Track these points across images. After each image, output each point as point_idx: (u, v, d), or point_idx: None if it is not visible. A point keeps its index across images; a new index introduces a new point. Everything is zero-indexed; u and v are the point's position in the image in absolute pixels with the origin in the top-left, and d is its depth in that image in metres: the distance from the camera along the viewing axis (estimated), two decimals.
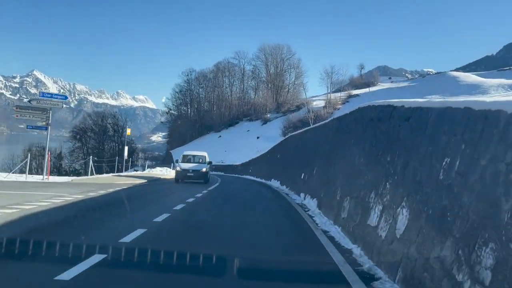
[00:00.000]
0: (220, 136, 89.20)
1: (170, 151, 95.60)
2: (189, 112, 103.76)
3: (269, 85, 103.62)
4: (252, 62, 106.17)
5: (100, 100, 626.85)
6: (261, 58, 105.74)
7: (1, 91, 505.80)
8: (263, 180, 26.53)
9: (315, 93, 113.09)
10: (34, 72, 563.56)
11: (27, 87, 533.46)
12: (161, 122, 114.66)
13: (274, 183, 21.62)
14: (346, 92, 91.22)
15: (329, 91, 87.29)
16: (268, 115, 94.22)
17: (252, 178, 32.53)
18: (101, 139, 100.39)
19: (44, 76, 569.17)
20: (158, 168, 26.63)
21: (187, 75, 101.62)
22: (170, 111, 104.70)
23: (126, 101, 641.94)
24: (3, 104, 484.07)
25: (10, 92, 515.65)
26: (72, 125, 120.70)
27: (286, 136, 28.48)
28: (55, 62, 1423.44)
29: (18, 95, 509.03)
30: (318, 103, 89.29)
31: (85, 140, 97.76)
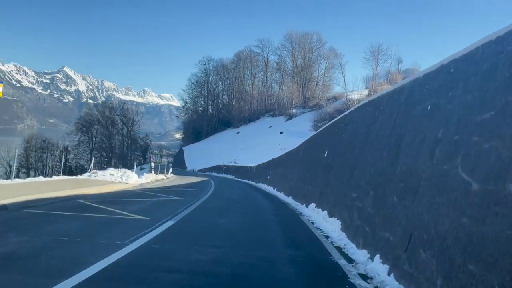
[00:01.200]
0: (238, 133, 77.76)
1: (183, 147, 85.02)
2: (205, 105, 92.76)
3: (296, 77, 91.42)
4: (277, 51, 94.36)
5: (127, 97, 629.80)
6: (287, 48, 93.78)
7: (33, 87, 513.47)
8: (290, 200, 14.88)
9: (351, 88, 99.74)
10: (65, 69, 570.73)
11: (58, 83, 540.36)
12: (176, 116, 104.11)
13: (319, 216, 9.89)
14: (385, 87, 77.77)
15: (375, 73, 71.29)
16: (294, 111, 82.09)
17: (271, 190, 20.90)
18: (108, 133, 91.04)
19: (74, 73, 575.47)
20: (109, 170, 16.50)
21: (205, 64, 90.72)
22: (187, 105, 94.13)
23: (152, 98, 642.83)
24: (34, 99, 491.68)
25: (41, 88, 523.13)
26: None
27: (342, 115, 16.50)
28: (85, 59, 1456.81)
29: (48, 91, 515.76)
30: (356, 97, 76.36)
31: (91, 134, 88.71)
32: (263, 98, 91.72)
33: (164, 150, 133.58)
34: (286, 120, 75.75)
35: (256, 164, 30.47)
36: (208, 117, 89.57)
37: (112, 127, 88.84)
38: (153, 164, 31.79)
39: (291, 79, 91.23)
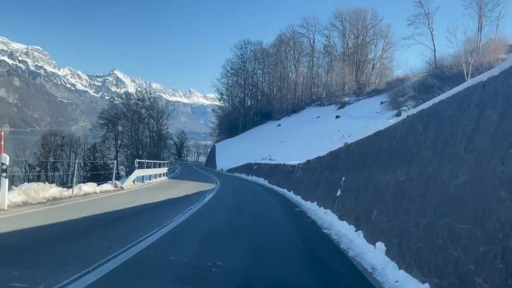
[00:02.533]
0: (279, 125, 64.37)
1: (215, 144, 73.04)
2: (242, 96, 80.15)
3: (347, 60, 76.42)
4: (325, 32, 79.78)
5: (173, 98, 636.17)
6: (336, 27, 78.95)
7: (86, 89, 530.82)
8: None
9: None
10: (115, 72, 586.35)
11: (108, 86, 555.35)
12: (212, 110, 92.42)
13: None
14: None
15: (479, 27, 48.15)
16: (346, 99, 67.31)
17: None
18: (135, 127, 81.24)
19: (124, 75, 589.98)
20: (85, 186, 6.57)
21: (241, 48, 78.10)
22: (223, 97, 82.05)
23: (197, 99, 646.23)
24: (87, 101, 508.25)
25: (93, 90, 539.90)
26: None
27: None
28: (134, 62, 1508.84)
29: (100, 93, 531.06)
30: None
31: (116, 130, 79.30)
32: (309, 86, 77.67)
33: (200, 149, 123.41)
34: (338, 109, 61.23)
35: (302, 162, 16.71)
36: (245, 109, 77.00)
37: (139, 121, 78.92)
38: (137, 165, 20.05)
39: (342, 61, 76.30)
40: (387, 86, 61.75)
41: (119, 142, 75.21)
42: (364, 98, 62.76)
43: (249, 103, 78.81)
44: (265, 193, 17.51)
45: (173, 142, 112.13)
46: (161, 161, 32.65)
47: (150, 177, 21.00)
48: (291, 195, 15.21)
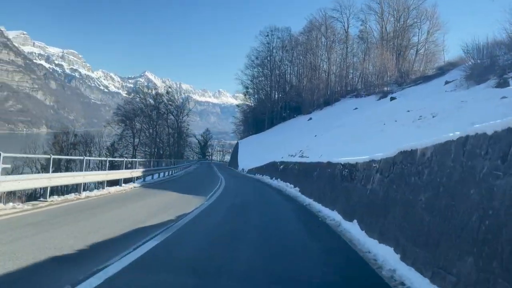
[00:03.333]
0: (310, 119, 56.11)
1: (238, 141, 65.69)
2: (268, 88, 72.27)
3: (386, 46, 67.00)
4: (360, 15, 70.70)
5: (203, 99, 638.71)
6: (373, 9, 69.74)
7: (119, 91, 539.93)
8: None
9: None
10: (146, 73, 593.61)
11: (140, 87, 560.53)
12: (237, 105, 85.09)
13: None
14: None
15: None
16: (386, 88, 58.14)
17: None
18: (153, 124, 75.17)
19: (155, 77, 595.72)
20: None
21: (267, 35, 70.21)
22: (248, 90, 74.50)
23: (226, 99, 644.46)
24: (120, 102, 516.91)
25: (125, 92, 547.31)
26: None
27: None
28: (164, 63, 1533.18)
29: (132, 94, 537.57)
30: None
31: (133, 128, 73.59)
32: (343, 76, 68.84)
33: (226, 148, 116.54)
34: (379, 99, 52.30)
35: (362, 161, 8.03)
36: (272, 103, 69.17)
37: (157, 117, 72.84)
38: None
39: (381, 48, 66.96)
40: (438, 72, 52.47)
41: (136, 140, 69.44)
42: (409, 86, 53.39)
43: (276, 97, 70.95)
44: (304, 235, 7.84)
45: (196, 140, 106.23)
46: (136, 160, 26.07)
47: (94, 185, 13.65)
48: (369, 243, 6.26)
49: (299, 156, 19.65)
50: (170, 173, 29.38)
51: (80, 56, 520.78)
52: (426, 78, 53.02)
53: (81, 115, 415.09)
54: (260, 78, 71.20)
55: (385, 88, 57.81)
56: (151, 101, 71.62)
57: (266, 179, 24.00)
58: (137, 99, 70.40)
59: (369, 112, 28.65)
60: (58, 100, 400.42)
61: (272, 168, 23.98)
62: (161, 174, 30.55)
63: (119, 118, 68.83)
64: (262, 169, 28.55)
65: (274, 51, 70.85)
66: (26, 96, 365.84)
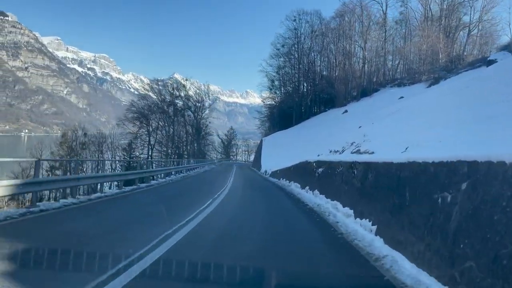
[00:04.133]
0: (345, 112, 47.68)
1: (263, 138, 58.03)
2: (296, 80, 64.09)
3: (430, 28, 57.41)
4: None
5: (230, 99, 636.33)
6: None
7: (149, 93, 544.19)
8: None
9: None
10: (175, 75, 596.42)
11: (168, 89, 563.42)
12: (262, 101, 77.36)
13: None
14: None
15: None
16: (436, 75, 48.81)
17: None
18: (170, 121, 68.63)
19: (183, 78, 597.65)
20: None
21: (294, 20, 62.04)
22: (273, 83, 66.51)
23: (254, 99, 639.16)
24: (151, 104, 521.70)
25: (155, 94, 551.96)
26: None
27: None
28: (192, 65, 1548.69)
29: (162, 96, 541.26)
30: None
31: (149, 126, 67.35)
32: (381, 64, 59.82)
33: (252, 148, 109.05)
34: (429, 86, 43.25)
35: None
36: (300, 96, 61.09)
37: (175, 114, 66.40)
38: None
39: (426, 30, 57.40)
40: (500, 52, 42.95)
41: (152, 139, 63.23)
42: (466, 70, 44.01)
43: (304, 89, 62.78)
44: None
45: (219, 139, 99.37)
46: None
47: None
48: None
49: (353, 152, 11.84)
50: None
51: (111, 59, 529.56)
52: (489, 62, 43.51)
53: (113, 117, 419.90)
54: (286, 69, 63.03)
55: (435, 75, 48.57)
56: (168, 97, 65.24)
57: (295, 188, 16.27)
58: (151, 94, 64.06)
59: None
60: (91, 103, 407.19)
61: (303, 172, 16.16)
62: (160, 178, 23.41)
63: (133, 115, 62.77)
64: (289, 173, 20.78)
65: (302, 37, 62.51)
66: (60, 99, 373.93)
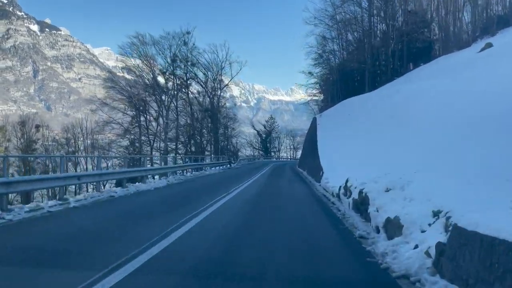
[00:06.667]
0: (488, 47, 21.80)
1: (316, 117, 33.42)
2: (366, 24, 37.95)
3: None
4: None
5: (275, 97, 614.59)
6: None
7: (196, 95, 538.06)
8: None
9: None
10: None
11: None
12: (309, 73, 51.98)
13: None
14: None
15: None
16: None
17: None
18: (168, 101, 44.91)
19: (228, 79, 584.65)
20: None
21: None
22: (324, 37, 41.14)
23: (299, 96, 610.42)
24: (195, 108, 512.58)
25: (201, 98, 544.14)
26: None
27: None
28: (236, 65, 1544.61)
29: (208, 99, 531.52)
30: None
31: (146, 115, 44.73)
32: None
33: (298, 138, 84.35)
34: None
35: None
36: (373, 47, 35.56)
37: (175, 93, 44.18)
38: None
39: None
40: None
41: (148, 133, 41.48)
42: None
43: (379, 35, 37.10)
44: None
45: (256, 131, 75.78)
46: None
47: None
48: None
49: None
50: None
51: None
52: None
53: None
54: (348, 7, 37.24)
55: None
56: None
57: None
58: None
59: None
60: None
61: None
62: None
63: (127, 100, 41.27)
64: None
65: None
66: (110, 108, 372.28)
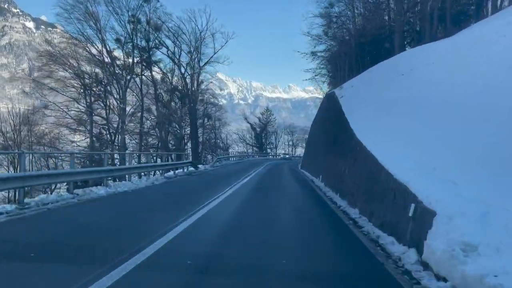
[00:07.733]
0: None
1: (330, 92, 24.21)
2: None
3: None
4: None
5: (273, 95, 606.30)
6: None
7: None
8: None
9: None
10: (218, 74, 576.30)
11: (212, 88, 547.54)
12: (314, 54, 42.35)
13: None
14: None
15: None
16: None
17: None
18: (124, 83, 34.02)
19: (225, 77, 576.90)
20: None
21: None
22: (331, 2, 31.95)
23: (297, 93, 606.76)
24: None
25: (201, 96, 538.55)
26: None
27: None
28: (234, 63, 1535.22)
29: (205, 96, 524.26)
30: None
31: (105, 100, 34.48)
32: None
33: (297, 133, 75.14)
34: None
35: None
36: (397, 14, 26.16)
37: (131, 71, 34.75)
38: None
39: None
40: None
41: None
42: None
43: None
44: None
45: (249, 124, 66.21)
46: None
47: None
48: None
49: None
50: None
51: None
52: None
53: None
54: None
55: None
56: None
57: None
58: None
59: None
60: None
61: None
62: None
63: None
64: None
65: None
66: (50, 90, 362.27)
